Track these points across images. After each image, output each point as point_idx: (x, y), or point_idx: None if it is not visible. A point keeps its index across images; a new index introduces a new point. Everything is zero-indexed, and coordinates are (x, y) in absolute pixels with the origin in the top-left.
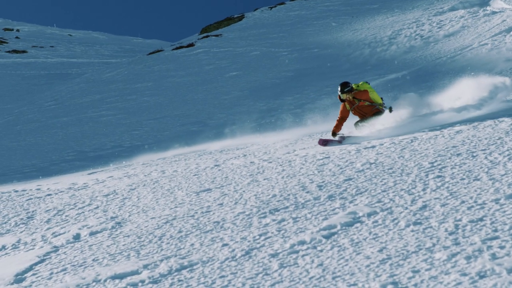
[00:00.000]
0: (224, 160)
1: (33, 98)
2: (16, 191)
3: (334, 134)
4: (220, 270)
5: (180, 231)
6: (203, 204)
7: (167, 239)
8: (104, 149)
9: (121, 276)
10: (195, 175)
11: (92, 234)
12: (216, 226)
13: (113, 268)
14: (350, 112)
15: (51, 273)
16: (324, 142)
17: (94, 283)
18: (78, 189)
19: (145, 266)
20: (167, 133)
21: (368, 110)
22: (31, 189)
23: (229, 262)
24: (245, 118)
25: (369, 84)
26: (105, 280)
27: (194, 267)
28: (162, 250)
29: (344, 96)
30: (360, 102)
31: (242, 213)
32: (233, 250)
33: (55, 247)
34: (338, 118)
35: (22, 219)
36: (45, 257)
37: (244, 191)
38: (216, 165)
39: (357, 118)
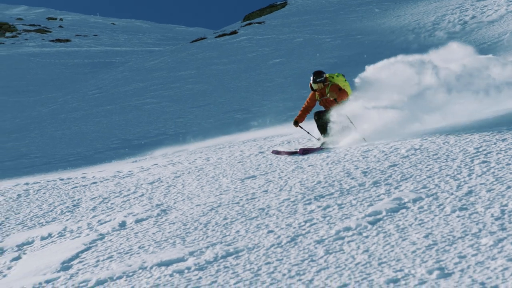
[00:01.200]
0: (268, 147)
1: (77, 87)
2: (62, 179)
3: (296, 123)
4: (265, 256)
5: (225, 218)
6: (248, 191)
7: (213, 226)
8: (149, 137)
9: (167, 263)
10: (239, 162)
11: (137, 221)
12: (261, 213)
13: (159, 255)
14: (317, 102)
15: (97, 261)
16: (276, 152)
17: (140, 270)
18: (123, 177)
19: (191, 253)
20: (211, 121)
21: (333, 105)
22: (76, 177)
23: (275, 249)
24: (288, 105)
25: (344, 76)
26: (151, 267)
27: (240, 254)
28: (207, 237)
29: (315, 86)
30: (329, 98)
31: (287, 200)
32: (279, 236)
33: (101, 234)
34: (303, 107)
35: (68, 207)
36: (91, 245)
37: (289, 178)
38: (260, 152)
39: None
